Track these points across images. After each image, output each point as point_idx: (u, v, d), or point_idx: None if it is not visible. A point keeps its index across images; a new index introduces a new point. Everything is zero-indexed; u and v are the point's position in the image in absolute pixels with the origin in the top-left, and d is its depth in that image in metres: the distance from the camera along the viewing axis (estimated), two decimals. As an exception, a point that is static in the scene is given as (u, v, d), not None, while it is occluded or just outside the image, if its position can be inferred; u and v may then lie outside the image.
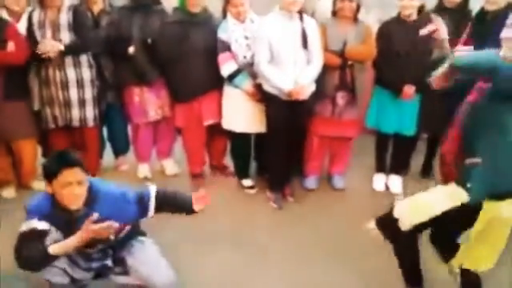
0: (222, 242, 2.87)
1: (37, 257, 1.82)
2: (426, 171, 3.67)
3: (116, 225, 1.87)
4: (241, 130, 3.33)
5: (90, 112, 3.36)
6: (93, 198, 1.94)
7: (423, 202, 2.02)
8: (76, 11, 3.22)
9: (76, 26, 3.20)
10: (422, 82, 2.71)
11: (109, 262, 2.15)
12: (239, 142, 3.44)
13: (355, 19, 3.16)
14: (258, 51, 3.02)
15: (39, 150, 3.60)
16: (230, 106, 3.29)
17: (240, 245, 2.84)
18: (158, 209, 2.10)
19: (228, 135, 3.46)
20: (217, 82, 3.27)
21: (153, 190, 2.11)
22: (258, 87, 3.15)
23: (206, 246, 2.82)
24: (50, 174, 1.87)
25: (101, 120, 3.53)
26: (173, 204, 2.13)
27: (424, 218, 1.98)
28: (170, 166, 3.77)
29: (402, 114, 3.25)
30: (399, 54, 3.11)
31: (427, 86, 2.52)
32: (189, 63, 3.20)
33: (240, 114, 3.26)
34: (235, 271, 2.61)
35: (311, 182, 3.53)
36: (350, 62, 3.17)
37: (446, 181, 3.29)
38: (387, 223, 2.09)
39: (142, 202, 2.06)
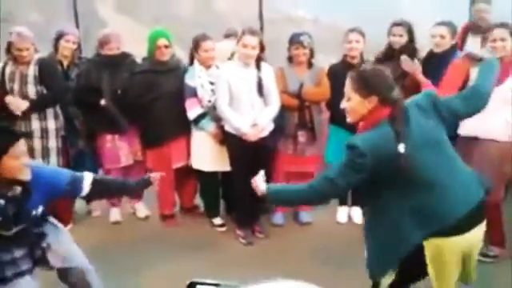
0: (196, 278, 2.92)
1: None
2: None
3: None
4: (208, 168, 3.49)
5: (54, 160, 3.39)
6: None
7: None
8: (42, 64, 3.31)
9: (43, 78, 3.29)
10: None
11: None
12: (207, 180, 3.59)
13: (310, 64, 3.45)
14: (218, 94, 3.26)
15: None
16: (198, 147, 3.47)
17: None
18: (95, 191, 2.23)
19: (197, 175, 3.61)
20: (184, 126, 3.45)
21: (88, 175, 2.23)
22: (222, 129, 3.36)
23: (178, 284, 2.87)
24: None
25: (68, 167, 3.58)
26: (110, 185, 2.40)
27: None
28: (141, 209, 3.86)
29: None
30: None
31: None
32: (157, 109, 3.39)
33: (207, 153, 3.44)
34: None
35: (278, 217, 3.68)
36: (307, 103, 3.42)
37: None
38: None
39: (74, 183, 2.17)
